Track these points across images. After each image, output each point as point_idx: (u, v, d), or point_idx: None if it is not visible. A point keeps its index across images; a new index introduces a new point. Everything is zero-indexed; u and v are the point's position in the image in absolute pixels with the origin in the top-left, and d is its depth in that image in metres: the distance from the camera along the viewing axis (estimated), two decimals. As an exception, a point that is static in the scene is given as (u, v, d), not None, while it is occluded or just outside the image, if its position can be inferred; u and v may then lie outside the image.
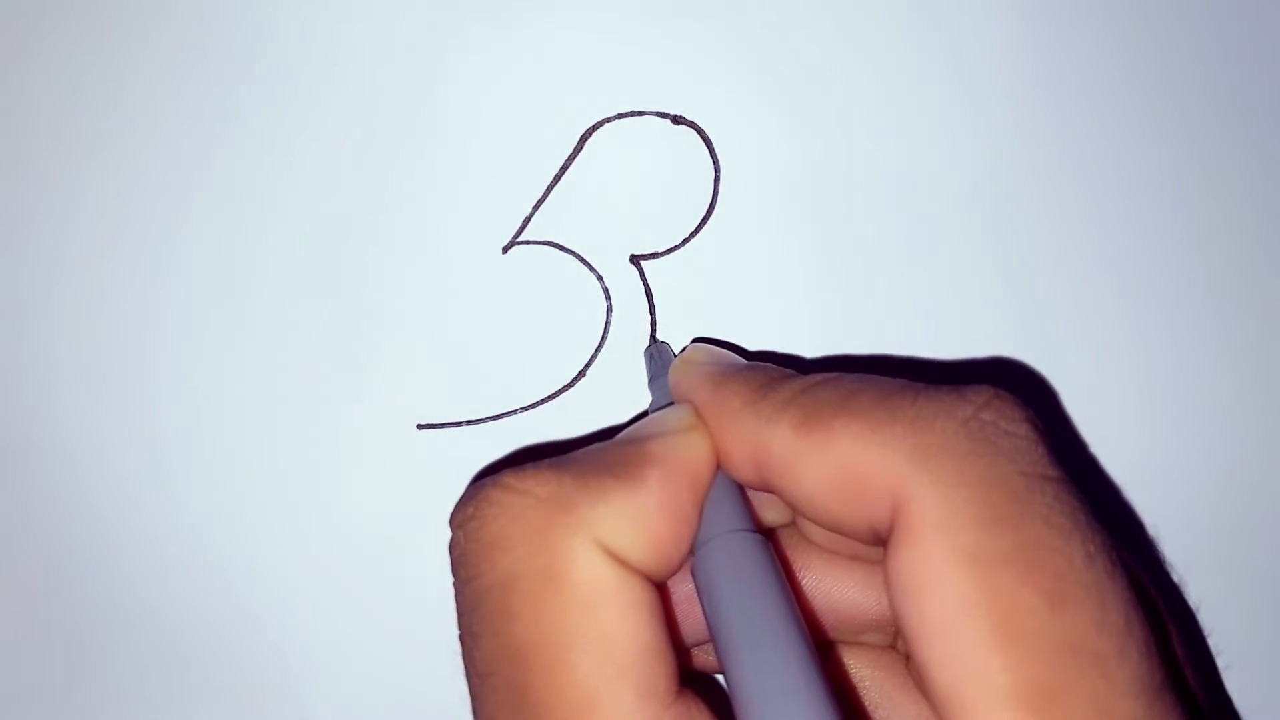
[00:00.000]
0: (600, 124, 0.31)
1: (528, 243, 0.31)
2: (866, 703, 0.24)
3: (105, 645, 0.31)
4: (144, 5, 0.31)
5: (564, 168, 0.31)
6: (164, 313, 0.31)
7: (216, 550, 0.31)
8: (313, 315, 0.31)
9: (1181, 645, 0.23)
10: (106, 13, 0.31)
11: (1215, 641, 0.30)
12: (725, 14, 0.31)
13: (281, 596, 0.31)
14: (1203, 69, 0.31)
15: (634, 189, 0.31)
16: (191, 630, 0.31)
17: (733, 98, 0.31)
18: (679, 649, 0.22)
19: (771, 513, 0.25)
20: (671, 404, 0.25)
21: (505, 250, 0.31)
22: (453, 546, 0.21)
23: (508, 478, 0.21)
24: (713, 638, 0.21)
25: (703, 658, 0.25)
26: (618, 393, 0.31)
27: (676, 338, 0.31)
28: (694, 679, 0.21)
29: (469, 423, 0.31)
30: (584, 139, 0.31)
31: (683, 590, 0.23)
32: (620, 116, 0.31)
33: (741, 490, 0.23)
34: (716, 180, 0.31)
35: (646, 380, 0.30)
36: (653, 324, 0.31)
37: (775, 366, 0.23)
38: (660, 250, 0.31)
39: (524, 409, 0.31)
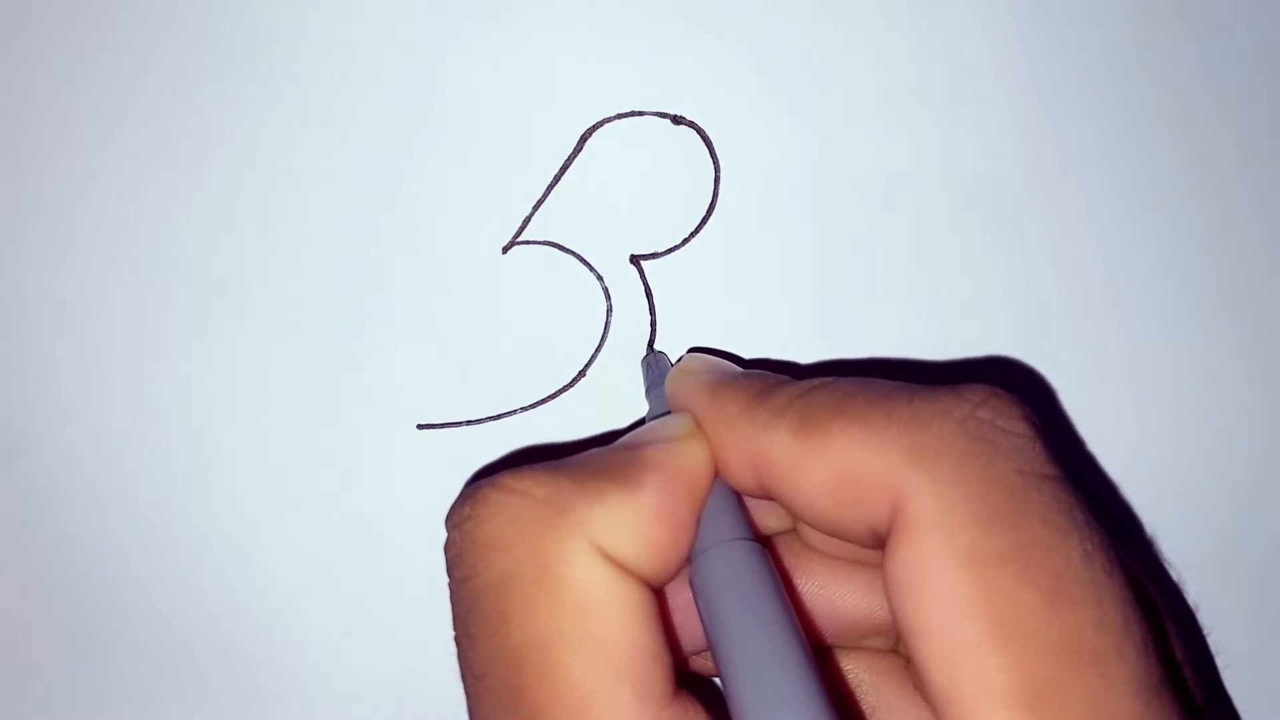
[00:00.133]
0: (600, 124, 0.31)
1: (528, 243, 0.31)
2: (865, 707, 0.24)
3: (105, 645, 0.31)
4: (144, 5, 0.31)
5: (564, 168, 0.31)
6: (164, 312, 0.31)
7: (216, 550, 0.31)
8: (313, 315, 0.31)
9: (1180, 644, 0.22)
10: (107, 13, 0.31)
11: (1214, 641, 0.30)
12: (725, 14, 0.31)
13: (281, 596, 0.31)
14: (1202, 69, 0.31)
15: (634, 189, 0.31)
16: (191, 630, 0.31)
17: (733, 98, 0.31)
18: (676, 654, 0.22)
19: (771, 519, 0.25)
20: (669, 413, 0.25)
21: (505, 250, 0.31)
22: (448, 547, 0.21)
23: (504, 479, 0.21)
24: (710, 646, 0.21)
25: (701, 662, 0.25)
26: (618, 393, 0.31)
27: (677, 338, 0.31)
28: (692, 681, 0.21)
29: (469, 423, 0.31)
30: (584, 139, 0.31)
31: (681, 598, 0.23)
32: (620, 117, 0.31)
33: (739, 499, 0.23)
34: (716, 180, 0.31)
35: (644, 389, 0.30)
36: (653, 325, 0.31)
37: (771, 373, 0.23)
38: (660, 250, 0.31)
39: (524, 409, 0.31)
